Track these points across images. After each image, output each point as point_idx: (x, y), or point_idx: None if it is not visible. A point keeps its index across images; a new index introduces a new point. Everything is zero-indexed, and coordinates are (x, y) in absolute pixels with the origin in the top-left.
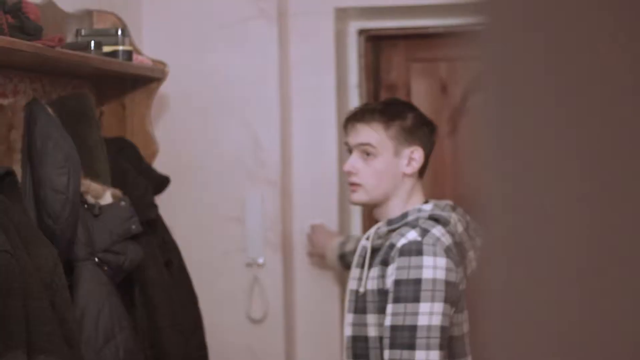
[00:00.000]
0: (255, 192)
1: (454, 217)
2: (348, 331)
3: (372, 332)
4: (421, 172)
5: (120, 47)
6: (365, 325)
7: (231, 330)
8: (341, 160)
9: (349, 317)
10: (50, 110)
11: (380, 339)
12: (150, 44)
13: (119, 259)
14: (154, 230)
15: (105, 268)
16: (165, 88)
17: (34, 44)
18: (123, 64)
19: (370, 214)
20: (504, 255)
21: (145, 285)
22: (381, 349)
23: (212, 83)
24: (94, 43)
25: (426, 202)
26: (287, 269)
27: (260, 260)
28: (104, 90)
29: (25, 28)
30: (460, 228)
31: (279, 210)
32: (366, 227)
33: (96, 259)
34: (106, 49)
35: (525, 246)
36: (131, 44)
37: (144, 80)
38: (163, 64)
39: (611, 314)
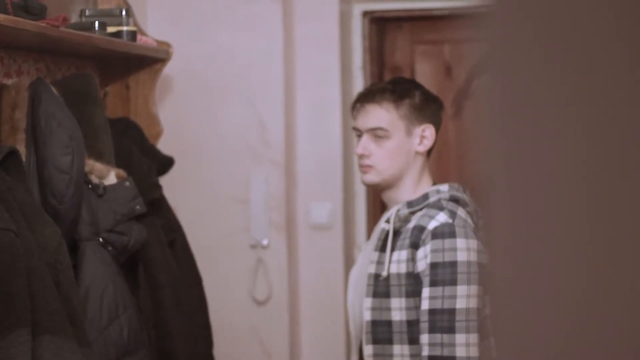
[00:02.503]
0: (260, 173)
1: (468, 198)
2: (367, 316)
3: (396, 316)
4: (429, 152)
5: (125, 28)
6: (388, 309)
7: (235, 311)
8: (345, 141)
9: (368, 302)
10: (54, 90)
11: (408, 322)
12: (154, 25)
13: (123, 239)
14: (158, 211)
15: (109, 248)
16: (169, 69)
17: (38, 23)
18: (127, 44)
19: (375, 195)
20: (506, 241)
21: (149, 265)
22: (408, 332)
23: (216, 64)
24: (98, 23)
25: (434, 183)
26: (291, 250)
27: (265, 242)
28: (108, 70)
29: (29, 7)
30: (472, 209)
31: (283, 191)
32: (370, 208)
33: (100, 239)
34: (110, 29)
35: (527, 231)
36: (135, 24)
37: (148, 61)
38: (167, 44)
39: (613, 299)
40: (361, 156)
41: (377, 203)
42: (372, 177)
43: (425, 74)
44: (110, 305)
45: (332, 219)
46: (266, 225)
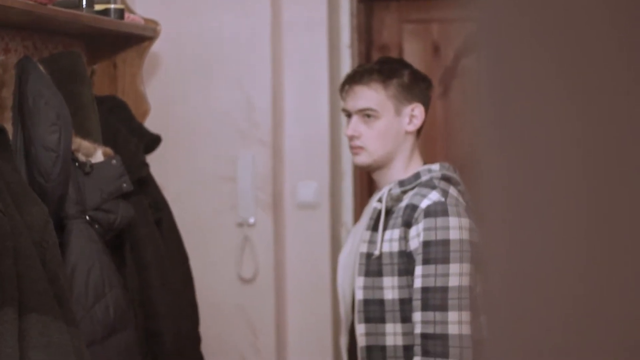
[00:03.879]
0: (247, 152)
1: (458, 177)
2: (359, 295)
3: (388, 294)
4: (418, 131)
5: (112, 5)
6: (380, 288)
7: (222, 289)
8: (333, 120)
9: (360, 281)
10: (41, 68)
11: (400, 301)
12: (142, 3)
13: (109, 217)
14: (145, 189)
15: (96, 226)
16: (157, 47)
17: (26, 1)
18: (114, 22)
19: (362, 174)
20: (496, 221)
21: (136, 243)
22: (400, 311)
23: (204, 43)
24: (86, 1)
25: (424, 163)
26: (278, 229)
27: (251, 220)
28: (96, 48)
29: None
30: (463, 188)
31: (270, 170)
32: (357, 187)
33: (87, 217)
34: (98, 7)
35: (517, 208)
36: (123, 2)
37: (135, 39)
38: (155, 22)
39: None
40: (351, 137)
41: (364, 182)
42: (364, 159)
43: (413, 53)
44: (96, 283)
45: (318, 198)
46: (253, 204)
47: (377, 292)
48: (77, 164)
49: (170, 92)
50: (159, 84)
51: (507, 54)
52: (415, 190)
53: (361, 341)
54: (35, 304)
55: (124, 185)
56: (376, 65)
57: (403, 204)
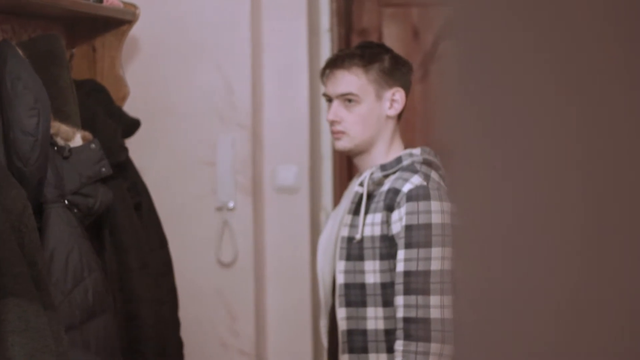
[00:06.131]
0: (226, 136)
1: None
2: (340, 279)
3: (370, 278)
4: (399, 115)
5: None
6: (362, 272)
7: (201, 274)
8: (312, 104)
9: (341, 265)
10: (20, 51)
11: (382, 285)
12: None
13: (88, 201)
14: (124, 174)
15: (75, 210)
16: (136, 31)
17: None
18: (93, 5)
19: (341, 158)
20: (470, 202)
21: (115, 228)
22: (382, 295)
23: (183, 26)
24: None
25: (405, 147)
26: (257, 213)
27: (231, 204)
28: (75, 32)
29: None
30: (444, 172)
31: (249, 154)
32: (337, 171)
33: (66, 202)
34: None
35: (492, 192)
36: None
37: (114, 23)
38: (134, 6)
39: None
40: (332, 122)
41: (344, 166)
42: (345, 143)
43: (392, 37)
44: (75, 267)
45: (298, 181)
46: (232, 188)
47: (359, 276)
48: (55, 148)
49: (149, 76)
50: (138, 67)
51: (484, 39)
52: (397, 174)
53: (342, 325)
54: (13, 288)
55: (103, 169)
56: (357, 49)
57: (385, 188)
